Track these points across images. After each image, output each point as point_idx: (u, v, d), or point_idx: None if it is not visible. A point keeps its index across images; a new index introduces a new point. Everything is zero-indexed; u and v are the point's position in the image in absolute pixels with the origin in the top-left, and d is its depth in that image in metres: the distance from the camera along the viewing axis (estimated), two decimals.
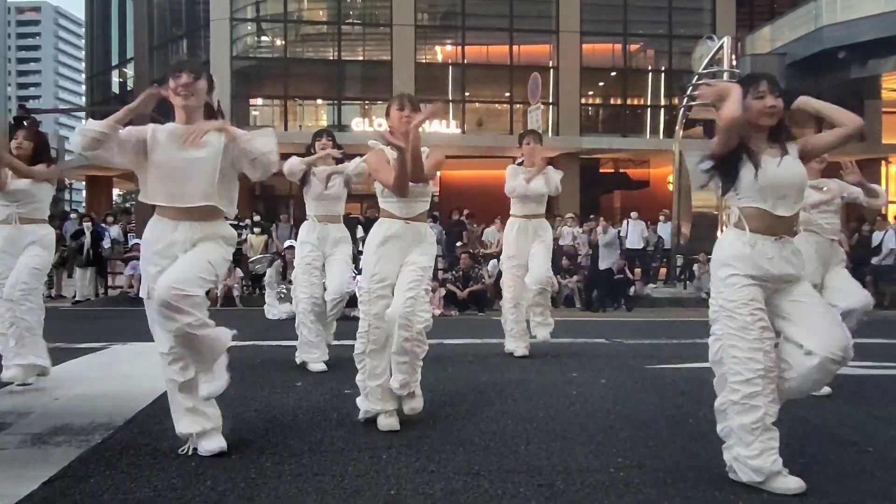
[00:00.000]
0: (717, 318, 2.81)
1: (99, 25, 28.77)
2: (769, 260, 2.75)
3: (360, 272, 7.91)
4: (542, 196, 5.73)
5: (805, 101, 2.90)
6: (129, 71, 25.71)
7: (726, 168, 2.81)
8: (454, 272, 10.64)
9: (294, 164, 5.07)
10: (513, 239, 5.74)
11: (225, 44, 21.33)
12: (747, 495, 2.65)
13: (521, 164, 5.77)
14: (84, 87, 36.55)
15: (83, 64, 35.28)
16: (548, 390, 4.48)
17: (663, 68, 23.40)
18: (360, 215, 13.82)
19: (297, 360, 5.22)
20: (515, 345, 5.70)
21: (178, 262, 2.96)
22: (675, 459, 3.07)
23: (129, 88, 25.15)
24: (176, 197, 2.99)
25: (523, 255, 5.66)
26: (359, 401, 3.60)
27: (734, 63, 13.99)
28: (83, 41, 33.63)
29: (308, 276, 5.19)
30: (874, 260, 11.97)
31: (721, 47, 13.82)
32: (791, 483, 2.67)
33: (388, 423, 3.51)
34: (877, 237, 12.31)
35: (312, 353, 5.16)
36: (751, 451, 2.69)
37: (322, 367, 5.09)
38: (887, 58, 17.56)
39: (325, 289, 5.18)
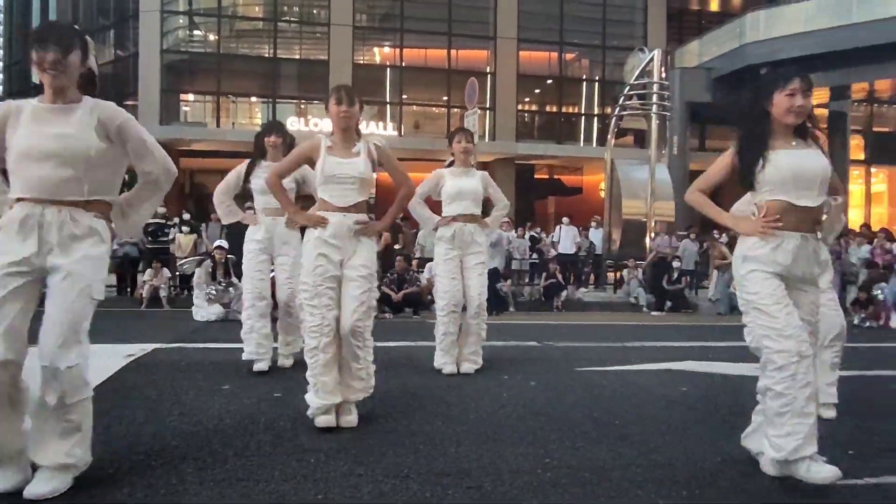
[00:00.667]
0: (745, 310, 2.90)
1: (19, 12, 27.47)
2: (792, 259, 2.82)
3: None
4: (477, 195, 5.22)
5: None
6: None
7: (749, 166, 2.86)
8: (389, 275, 10.60)
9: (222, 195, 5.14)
10: (446, 244, 5.22)
11: (155, 36, 20.69)
12: (668, 493, 2.73)
13: (451, 164, 5.34)
14: (1, 76, 34.73)
15: (1, 52, 33.57)
16: (479, 393, 4.50)
17: (597, 78, 24.02)
18: None
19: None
20: (444, 360, 5.21)
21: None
22: (601, 460, 3.13)
23: None
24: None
25: (458, 260, 5.22)
26: (308, 397, 3.56)
27: (664, 76, 14.48)
28: (1, 28, 32.00)
29: (253, 273, 5.05)
30: None
31: (651, 60, 14.27)
32: (823, 471, 2.70)
33: (326, 419, 3.49)
34: None
35: (248, 347, 5.07)
36: (778, 431, 2.78)
37: (263, 367, 5.00)
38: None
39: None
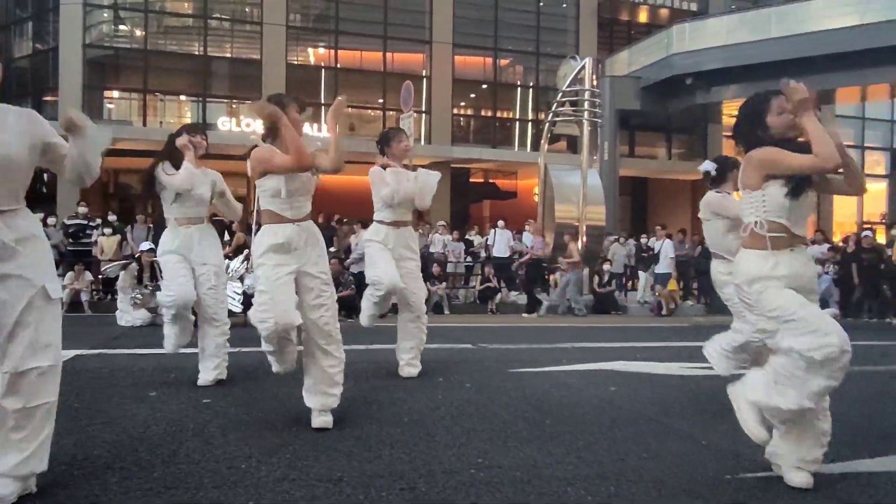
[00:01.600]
0: (774, 329, 2.72)
1: None
2: (795, 267, 2.76)
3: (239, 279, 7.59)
4: (412, 201, 5.12)
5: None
6: None
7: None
8: None
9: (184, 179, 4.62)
10: (378, 247, 5.07)
11: (77, 30, 19.85)
12: (596, 489, 2.80)
13: (384, 165, 5.10)
14: None
15: None
16: (413, 394, 4.51)
17: (531, 84, 24.40)
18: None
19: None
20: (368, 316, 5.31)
21: None
22: (532, 458, 3.18)
23: None
24: None
25: (391, 267, 5.01)
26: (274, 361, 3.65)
27: (595, 83, 14.82)
28: None
29: (175, 278, 4.65)
30: (655, 268, 13.15)
31: (583, 67, 14.59)
32: (797, 477, 2.80)
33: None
34: (656, 245, 13.43)
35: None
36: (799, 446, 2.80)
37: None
38: (728, 86, 19.33)
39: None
